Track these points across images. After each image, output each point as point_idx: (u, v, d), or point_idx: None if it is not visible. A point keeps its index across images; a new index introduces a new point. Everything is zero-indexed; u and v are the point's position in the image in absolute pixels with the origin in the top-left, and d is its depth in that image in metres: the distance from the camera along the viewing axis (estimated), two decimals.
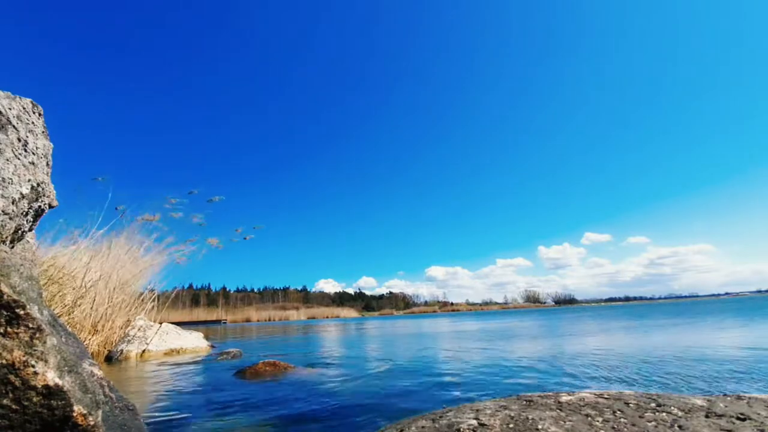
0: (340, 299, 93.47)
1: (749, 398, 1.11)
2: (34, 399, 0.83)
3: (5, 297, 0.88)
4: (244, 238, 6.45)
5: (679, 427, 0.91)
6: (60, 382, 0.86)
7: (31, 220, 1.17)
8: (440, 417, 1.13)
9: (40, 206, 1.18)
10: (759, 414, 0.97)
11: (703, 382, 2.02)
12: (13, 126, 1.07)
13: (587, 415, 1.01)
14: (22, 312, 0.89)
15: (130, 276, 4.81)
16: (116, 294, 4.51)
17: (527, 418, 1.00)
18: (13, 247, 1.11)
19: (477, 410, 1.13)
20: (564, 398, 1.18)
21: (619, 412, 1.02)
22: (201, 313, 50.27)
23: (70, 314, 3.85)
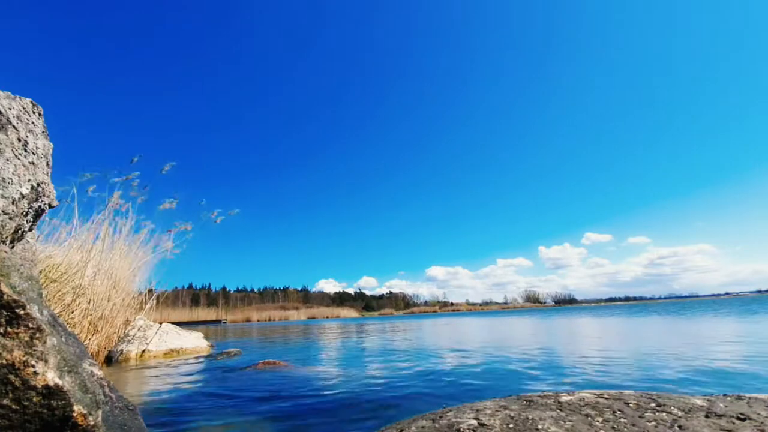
0: (341, 299, 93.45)
1: (749, 398, 1.11)
2: (34, 399, 0.83)
3: (5, 297, 0.88)
4: (215, 221, 6.39)
5: (679, 427, 0.91)
6: (60, 382, 0.86)
7: (31, 220, 1.17)
8: (440, 417, 1.13)
9: (40, 206, 1.18)
10: (759, 414, 0.97)
11: (702, 381, 2.02)
12: (13, 126, 1.07)
13: (587, 415, 1.01)
14: (22, 312, 0.89)
15: (125, 273, 4.79)
16: (114, 293, 4.50)
17: (527, 418, 1.00)
18: (13, 247, 1.11)
19: (477, 410, 1.13)
20: (564, 398, 1.18)
21: (619, 412, 1.02)
22: (201, 313, 50.24)
23: (69, 314, 3.85)
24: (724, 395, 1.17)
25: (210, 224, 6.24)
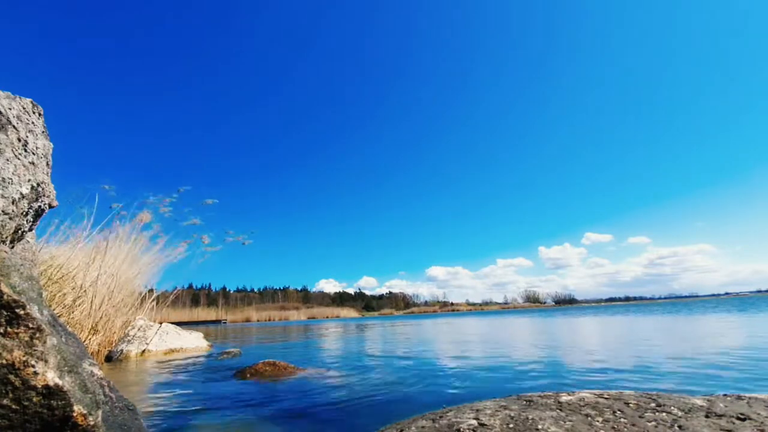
0: (341, 299, 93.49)
1: (749, 398, 1.11)
2: (34, 399, 0.83)
3: (5, 297, 0.88)
4: (243, 243, 6.47)
5: (679, 427, 0.91)
6: (60, 382, 0.86)
7: (31, 220, 1.17)
8: (440, 417, 1.13)
9: (40, 206, 1.18)
10: (759, 414, 0.97)
11: (702, 381, 2.02)
12: (13, 126, 1.07)
13: (587, 415, 1.01)
14: (22, 312, 0.89)
15: (129, 275, 4.80)
16: (116, 294, 4.51)
17: (527, 418, 1.00)
18: (13, 247, 1.11)
19: (477, 410, 1.13)
20: (564, 398, 1.18)
21: (619, 412, 1.02)
22: (201, 313, 50.23)
23: (70, 314, 3.85)
24: (724, 395, 1.17)
25: (226, 243, 6.31)
